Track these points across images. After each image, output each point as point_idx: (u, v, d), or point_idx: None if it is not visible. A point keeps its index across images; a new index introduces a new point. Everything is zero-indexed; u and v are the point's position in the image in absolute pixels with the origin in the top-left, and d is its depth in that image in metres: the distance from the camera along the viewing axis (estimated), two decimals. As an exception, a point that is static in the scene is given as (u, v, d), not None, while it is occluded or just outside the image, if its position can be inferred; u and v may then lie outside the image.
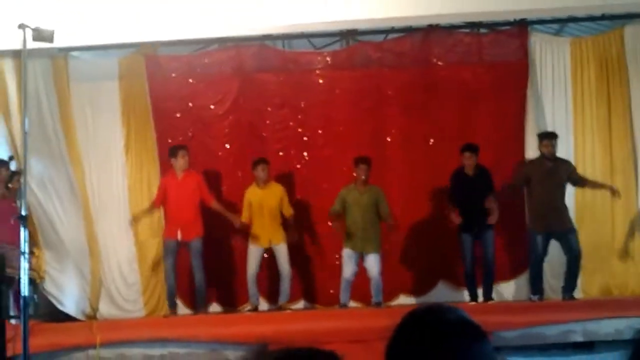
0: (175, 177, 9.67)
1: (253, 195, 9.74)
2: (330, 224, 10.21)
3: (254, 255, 9.74)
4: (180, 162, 9.61)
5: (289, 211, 9.80)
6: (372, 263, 9.42)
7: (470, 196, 9.35)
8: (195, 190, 9.64)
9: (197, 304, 9.85)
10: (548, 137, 9.46)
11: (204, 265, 9.69)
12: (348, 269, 9.48)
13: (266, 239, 9.72)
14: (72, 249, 10.13)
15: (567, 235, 9.29)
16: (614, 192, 9.44)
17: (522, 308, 9.33)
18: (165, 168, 9.98)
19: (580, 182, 9.52)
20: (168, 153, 9.84)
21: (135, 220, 9.94)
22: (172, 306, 9.74)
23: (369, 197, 9.50)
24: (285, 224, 9.83)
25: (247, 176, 9.99)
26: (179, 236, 9.57)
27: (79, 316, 9.97)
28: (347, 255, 9.52)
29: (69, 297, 10.07)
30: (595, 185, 9.62)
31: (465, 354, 1.63)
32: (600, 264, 9.96)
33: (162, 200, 9.77)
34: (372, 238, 9.49)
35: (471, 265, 9.53)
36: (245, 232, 9.89)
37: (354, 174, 9.56)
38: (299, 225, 10.21)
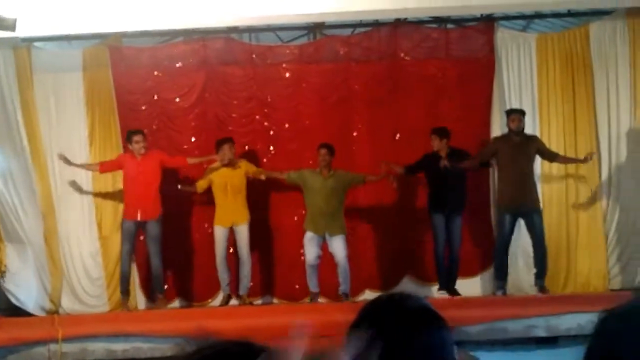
0: (135, 158, 9.62)
1: (217, 173, 9.68)
2: (296, 218, 10.22)
3: (219, 236, 9.69)
4: (135, 147, 9.57)
5: (259, 174, 9.82)
6: (338, 246, 9.38)
7: (441, 176, 9.37)
8: (156, 171, 9.58)
9: (154, 291, 9.79)
10: (516, 112, 9.54)
11: (162, 251, 9.65)
12: (310, 253, 9.43)
13: (229, 219, 9.67)
14: (33, 243, 10.00)
15: (532, 215, 9.36)
16: (586, 159, 9.53)
17: (485, 303, 9.39)
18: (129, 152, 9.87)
19: (549, 155, 9.59)
20: (125, 140, 9.86)
21: (67, 161, 9.69)
22: (125, 293, 9.67)
23: (334, 181, 9.48)
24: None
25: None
26: (139, 216, 9.51)
27: (37, 312, 9.83)
28: (309, 239, 9.47)
29: (26, 293, 9.92)
30: (565, 159, 9.70)
31: (425, 341, 1.64)
32: (564, 258, 10.04)
33: (108, 169, 9.77)
34: (336, 221, 9.46)
35: (442, 246, 9.57)
36: (208, 219, 9.89)
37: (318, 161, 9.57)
38: (263, 219, 10.20)
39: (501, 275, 9.51)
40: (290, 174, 9.70)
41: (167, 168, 9.78)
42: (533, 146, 9.48)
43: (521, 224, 9.56)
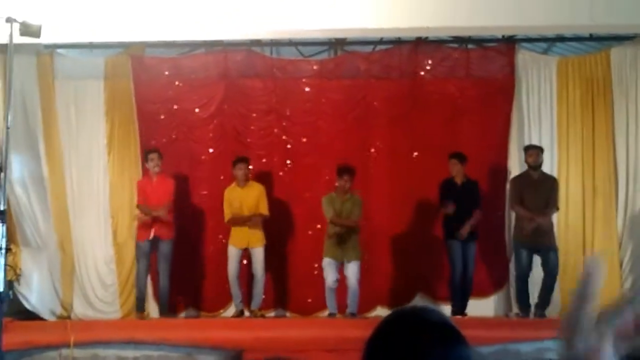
0: (151, 180, 9.73)
1: (233, 194, 9.72)
2: (310, 232, 10.24)
3: (232, 256, 9.70)
4: (150, 165, 9.69)
5: (265, 210, 9.75)
6: (352, 271, 9.41)
7: (457, 205, 9.37)
8: (168, 193, 9.66)
9: (161, 308, 9.83)
10: (534, 148, 9.55)
11: (175, 270, 9.72)
12: (330, 277, 9.46)
13: (244, 241, 9.69)
14: (48, 248, 10.06)
15: (549, 252, 9.35)
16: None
17: (498, 324, 9.36)
18: (147, 169, 9.95)
19: (553, 205, 9.55)
20: (143, 158, 9.94)
21: (145, 214, 9.67)
22: (141, 309, 9.72)
23: (351, 205, 9.51)
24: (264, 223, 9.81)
25: (229, 180, 9.96)
26: (152, 235, 9.56)
27: (48, 317, 9.88)
28: (327, 264, 9.50)
29: (39, 297, 9.98)
30: (551, 213, 9.60)
31: (444, 355, 1.64)
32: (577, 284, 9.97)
33: (141, 200, 9.79)
34: (352, 246, 9.49)
35: (460, 274, 9.54)
36: (224, 234, 9.89)
37: (336, 183, 9.55)
38: (278, 233, 10.22)
39: (525, 307, 9.48)
40: (328, 210, 9.52)
41: (181, 175, 9.99)
42: (550, 186, 9.47)
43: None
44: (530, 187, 9.37)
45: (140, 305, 9.72)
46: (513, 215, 9.87)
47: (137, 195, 9.91)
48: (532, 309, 9.47)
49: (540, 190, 9.37)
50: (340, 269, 9.54)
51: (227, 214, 9.73)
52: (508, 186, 9.93)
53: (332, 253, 9.50)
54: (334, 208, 9.51)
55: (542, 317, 9.28)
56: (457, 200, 9.41)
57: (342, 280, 9.52)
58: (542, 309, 9.34)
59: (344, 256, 9.47)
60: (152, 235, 9.59)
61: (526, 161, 9.54)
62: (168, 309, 9.84)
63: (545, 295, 9.35)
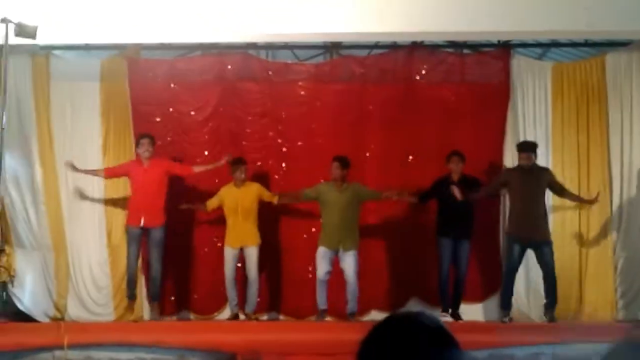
0: (141, 164, 9.68)
1: (228, 194, 9.73)
2: (305, 236, 10.26)
3: (229, 256, 9.71)
4: (141, 150, 9.66)
5: (272, 198, 9.83)
6: (349, 262, 9.39)
7: (452, 202, 9.38)
8: (162, 178, 9.64)
9: (151, 295, 9.80)
10: (527, 150, 9.47)
11: (164, 258, 9.69)
12: (321, 268, 9.43)
13: (238, 240, 9.69)
14: (42, 249, 10.06)
15: (543, 247, 9.32)
16: (593, 202, 9.53)
17: (493, 328, 9.36)
18: (138, 154, 9.89)
19: (559, 190, 9.56)
20: (135, 143, 9.93)
21: (74, 168, 9.73)
22: (131, 296, 9.72)
23: (348, 195, 9.51)
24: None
25: (224, 182, 9.94)
26: (142, 222, 9.55)
27: (42, 318, 9.87)
28: (321, 254, 9.47)
29: (32, 299, 9.97)
30: (573, 197, 9.68)
31: (436, 358, 1.64)
32: (572, 288, 10.01)
33: (114, 175, 9.85)
34: (350, 235, 9.48)
35: (447, 270, 9.56)
36: (219, 236, 9.89)
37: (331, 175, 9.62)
38: (274, 236, 10.23)
39: (506, 304, 9.48)
40: (306, 192, 9.71)
41: (175, 176, 9.85)
42: (545, 178, 9.45)
43: (530, 254, 9.52)
44: (522, 181, 9.30)
45: (130, 292, 9.70)
46: (507, 216, 9.88)
47: (114, 170, 9.85)
48: (542, 310, 9.45)
49: (532, 184, 9.30)
50: (335, 264, 9.50)
51: (212, 204, 9.74)
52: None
53: (327, 240, 9.48)
54: (327, 197, 9.50)
55: (553, 319, 9.26)
56: (450, 196, 9.38)
57: (338, 279, 9.49)
58: (552, 309, 9.28)
59: (340, 244, 9.43)
60: (142, 223, 9.56)
61: (519, 164, 9.53)
62: (160, 300, 9.80)
63: (550, 295, 9.30)
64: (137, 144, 9.76)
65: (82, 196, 10.21)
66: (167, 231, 9.74)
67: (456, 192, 9.35)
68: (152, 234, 9.64)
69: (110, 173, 9.88)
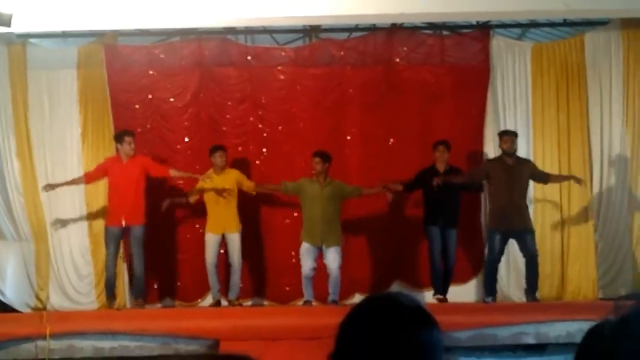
0: (121, 161, 9.55)
1: (208, 181, 9.67)
2: (287, 220, 10.25)
3: (210, 243, 9.67)
4: (125, 148, 9.50)
5: (251, 187, 9.76)
6: (333, 258, 9.38)
7: (437, 191, 9.38)
8: (140, 176, 9.51)
9: (135, 293, 9.76)
10: (508, 134, 9.56)
11: (145, 254, 9.60)
12: (306, 265, 9.43)
13: (221, 227, 9.66)
14: (22, 239, 10.00)
15: (525, 235, 9.36)
16: (578, 180, 9.58)
17: (475, 309, 9.41)
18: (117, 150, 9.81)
19: (543, 177, 9.59)
20: (114, 138, 9.75)
21: (51, 187, 9.65)
22: (111, 296, 9.63)
23: (331, 190, 9.49)
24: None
25: (205, 169, 9.89)
26: (123, 222, 9.43)
27: (23, 309, 9.82)
28: (305, 250, 9.47)
29: (13, 289, 9.92)
30: (557, 178, 9.73)
31: (416, 339, 1.65)
32: (554, 268, 10.06)
33: (94, 178, 9.72)
34: (332, 231, 9.47)
35: (438, 258, 9.57)
36: (200, 223, 9.85)
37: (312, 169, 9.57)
38: (255, 221, 10.21)
39: (490, 291, 9.51)
40: (287, 185, 9.68)
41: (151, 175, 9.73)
42: (526, 170, 9.48)
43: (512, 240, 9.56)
44: (503, 173, 9.38)
45: (109, 291, 9.62)
46: (487, 207, 9.91)
47: (94, 169, 9.72)
48: (518, 294, 9.52)
49: (514, 176, 9.38)
50: (319, 257, 9.52)
51: (194, 196, 9.70)
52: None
53: (309, 237, 9.47)
54: (308, 192, 9.48)
55: (536, 301, 9.30)
56: (439, 186, 9.39)
57: (321, 268, 9.51)
58: (532, 293, 9.35)
59: (323, 241, 9.44)
60: (123, 223, 9.45)
61: (501, 147, 9.55)
62: (144, 296, 9.76)
63: (531, 280, 9.37)
64: (120, 140, 9.55)
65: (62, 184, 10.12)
66: (147, 227, 9.62)
67: (437, 180, 9.34)
68: (133, 232, 9.51)
69: (90, 178, 9.74)
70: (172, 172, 9.75)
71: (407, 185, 9.70)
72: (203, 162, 10.01)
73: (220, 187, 9.61)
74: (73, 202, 10.18)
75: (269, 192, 10.17)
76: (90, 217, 10.15)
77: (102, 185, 10.04)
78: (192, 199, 9.74)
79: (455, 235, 9.65)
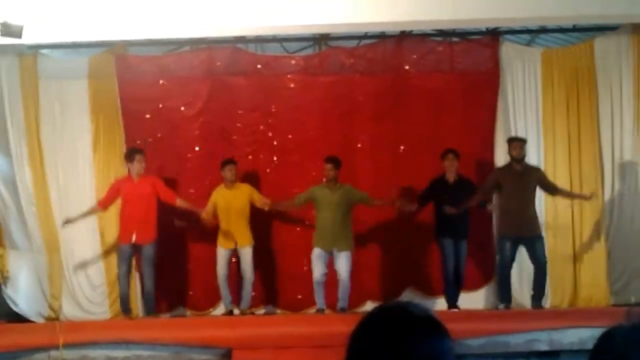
0: (132, 180, 9.58)
1: (220, 196, 9.69)
2: (298, 229, 10.26)
3: (221, 257, 9.69)
4: (136, 167, 9.53)
5: (263, 203, 9.69)
6: (343, 263, 9.38)
7: (450, 203, 9.38)
8: (151, 195, 9.53)
9: (146, 311, 9.79)
10: (517, 140, 9.56)
11: (163, 270, 9.65)
12: (317, 270, 9.43)
13: (232, 241, 9.67)
14: (35, 249, 10.02)
15: (534, 242, 9.36)
16: (587, 198, 9.55)
17: (487, 316, 9.39)
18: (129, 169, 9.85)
19: (551, 189, 9.58)
20: (125, 156, 9.78)
21: (70, 221, 9.63)
22: (127, 312, 9.67)
23: (340, 195, 9.50)
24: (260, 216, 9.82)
25: (216, 179, 9.92)
26: (134, 239, 9.46)
27: (35, 318, 9.84)
28: (316, 255, 9.47)
29: (26, 299, 9.95)
30: (566, 193, 9.72)
31: (427, 349, 1.65)
32: (566, 274, 10.03)
33: (109, 202, 9.69)
34: (343, 236, 9.47)
35: (452, 271, 9.56)
36: (212, 234, 9.85)
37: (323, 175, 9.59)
38: (267, 230, 10.21)
39: (505, 298, 9.50)
40: (300, 197, 9.68)
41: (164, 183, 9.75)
42: (535, 177, 9.48)
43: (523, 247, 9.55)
44: (512, 180, 9.37)
45: (124, 307, 9.67)
46: (497, 214, 9.88)
47: (106, 193, 9.72)
48: (529, 301, 9.49)
49: (522, 183, 9.38)
50: (330, 262, 9.52)
51: (208, 214, 9.64)
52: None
53: (321, 241, 9.47)
54: (319, 198, 9.49)
55: (540, 309, 9.27)
56: (449, 198, 9.39)
57: (332, 275, 9.51)
58: (538, 301, 9.34)
59: (334, 245, 9.43)
60: (133, 239, 9.49)
61: (510, 154, 9.55)
62: (155, 310, 9.79)
63: (538, 287, 9.37)
64: (130, 159, 9.58)
65: (74, 195, 10.14)
66: (159, 240, 9.62)
67: (450, 210, 9.34)
68: (144, 251, 9.55)
69: (104, 204, 9.71)
70: (179, 202, 9.66)
71: (419, 202, 9.68)
72: (213, 172, 10.02)
73: (231, 202, 9.61)
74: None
75: (278, 197, 10.16)
76: (102, 226, 10.16)
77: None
78: (207, 215, 9.64)
79: (466, 246, 9.65)
